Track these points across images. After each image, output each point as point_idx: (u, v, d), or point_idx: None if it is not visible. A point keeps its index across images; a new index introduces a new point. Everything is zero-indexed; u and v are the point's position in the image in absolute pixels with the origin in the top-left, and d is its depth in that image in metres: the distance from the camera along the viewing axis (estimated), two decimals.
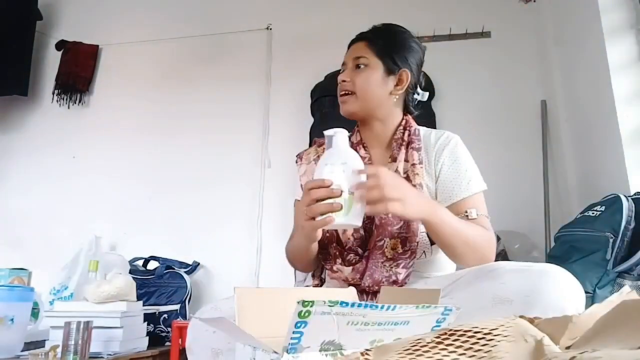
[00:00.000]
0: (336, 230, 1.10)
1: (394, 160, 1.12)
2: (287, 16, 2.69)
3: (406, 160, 1.12)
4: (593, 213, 1.52)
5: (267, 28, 2.69)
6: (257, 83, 2.62)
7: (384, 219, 1.06)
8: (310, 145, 1.71)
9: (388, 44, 1.15)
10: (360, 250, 1.08)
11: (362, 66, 1.13)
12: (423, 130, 1.19)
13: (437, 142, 1.14)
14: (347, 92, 1.14)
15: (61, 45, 2.86)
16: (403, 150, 1.13)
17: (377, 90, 1.13)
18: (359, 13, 2.41)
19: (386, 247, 1.05)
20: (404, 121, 1.18)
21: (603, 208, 1.49)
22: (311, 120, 2.37)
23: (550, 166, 2.22)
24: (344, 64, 1.18)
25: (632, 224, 1.41)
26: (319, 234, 0.95)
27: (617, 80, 1.71)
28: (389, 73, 1.13)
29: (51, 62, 2.91)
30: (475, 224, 1.02)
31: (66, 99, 2.81)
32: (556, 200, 2.18)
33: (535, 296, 0.77)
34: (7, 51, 2.69)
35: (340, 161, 0.89)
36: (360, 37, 1.18)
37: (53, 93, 2.82)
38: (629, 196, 1.48)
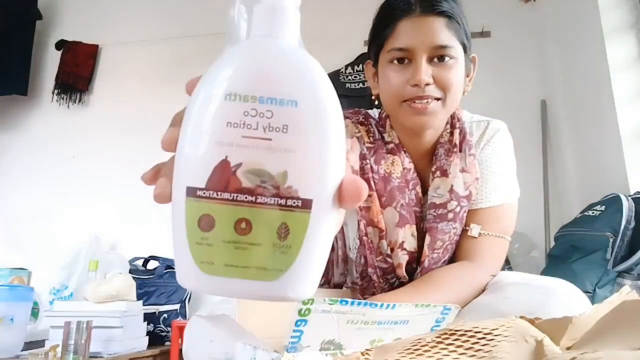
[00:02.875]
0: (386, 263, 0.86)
1: (445, 174, 0.85)
2: None
3: (467, 172, 0.85)
4: (593, 213, 1.52)
5: None
6: None
7: (434, 259, 0.85)
8: None
9: (462, 17, 0.87)
10: (395, 281, 0.87)
11: (448, 59, 0.81)
12: (464, 119, 0.93)
13: (482, 139, 0.90)
14: (431, 98, 0.80)
15: (61, 45, 2.86)
16: (456, 160, 0.86)
17: (460, 92, 0.85)
18: (359, 13, 2.40)
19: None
20: (450, 117, 0.89)
21: (603, 208, 1.49)
22: None
23: (550, 166, 2.22)
24: (405, 50, 0.79)
25: (632, 224, 1.41)
26: None
27: (617, 80, 1.71)
28: (466, 63, 0.86)
29: (51, 62, 2.90)
30: (451, 274, 0.82)
31: (66, 99, 2.81)
32: (556, 200, 2.18)
33: (540, 314, 0.71)
34: (7, 51, 2.69)
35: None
36: (435, 9, 0.80)
37: (53, 93, 2.82)
38: (629, 196, 1.48)
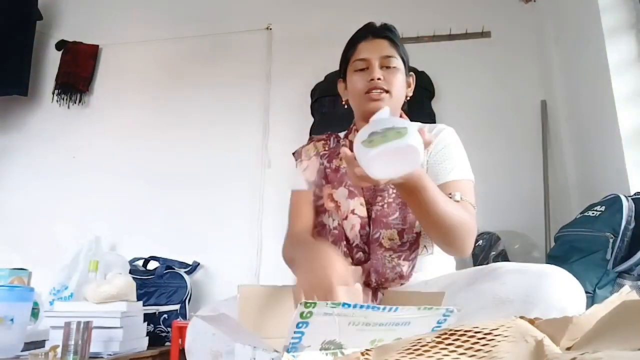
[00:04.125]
0: (344, 229, 1.11)
1: None
2: (287, 16, 2.69)
3: None
4: (593, 213, 1.52)
5: (267, 28, 2.69)
6: (257, 83, 2.62)
7: (379, 211, 1.08)
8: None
9: (402, 46, 1.17)
10: (366, 248, 1.08)
11: (392, 67, 1.13)
12: (418, 125, 1.18)
13: (431, 132, 1.15)
14: (382, 90, 1.11)
15: (61, 45, 2.86)
16: None
17: (403, 93, 1.16)
18: (359, 13, 2.40)
19: (383, 239, 1.05)
20: (399, 117, 1.17)
21: (603, 208, 1.49)
22: (311, 120, 2.37)
23: (550, 166, 2.22)
24: (364, 60, 1.14)
25: (632, 224, 1.40)
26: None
27: (617, 80, 1.71)
28: (406, 74, 1.17)
29: (51, 62, 2.91)
30: (460, 205, 1.01)
31: (66, 99, 2.81)
32: (556, 200, 2.18)
33: (536, 296, 0.77)
34: (7, 51, 2.69)
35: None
36: (380, 34, 1.17)
37: (53, 93, 2.82)
38: (629, 196, 1.48)
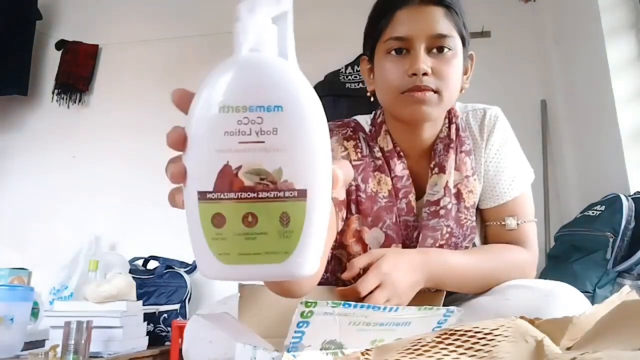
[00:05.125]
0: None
1: (443, 170, 0.83)
2: None
3: (457, 170, 0.84)
4: (593, 213, 1.52)
5: None
6: None
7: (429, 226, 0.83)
8: None
9: (462, 13, 0.85)
10: None
11: (447, 51, 0.79)
12: (459, 112, 0.91)
13: (482, 129, 0.89)
14: (429, 90, 0.77)
15: (61, 45, 2.86)
16: (452, 155, 0.84)
17: (458, 86, 0.83)
18: (359, 13, 2.40)
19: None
20: (447, 113, 0.88)
21: (603, 208, 1.49)
22: None
23: (550, 166, 2.22)
24: (403, 39, 0.77)
25: (632, 224, 1.41)
26: None
27: (617, 80, 1.72)
28: (464, 57, 0.85)
29: (51, 62, 2.90)
30: (501, 248, 0.84)
31: (66, 99, 2.81)
32: (556, 200, 2.18)
33: (540, 316, 0.72)
34: (7, 51, 2.69)
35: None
36: None
37: (53, 93, 2.82)
38: (629, 196, 1.48)
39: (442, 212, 0.82)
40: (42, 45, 2.94)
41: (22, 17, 2.78)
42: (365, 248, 0.83)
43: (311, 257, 0.35)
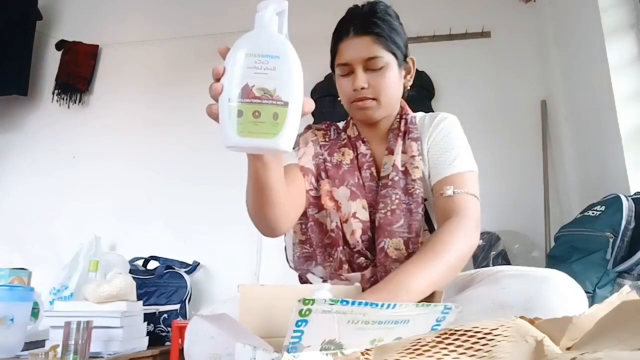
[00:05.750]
0: (343, 233, 1.02)
1: (391, 153, 1.06)
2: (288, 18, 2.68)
3: (404, 152, 1.05)
4: (593, 213, 1.52)
5: None
6: None
7: (382, 218, 1.00)
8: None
9: (390, 32, 1.02)
10: (368, 254, 1.02)
11: (379, 69, 1.01)
12: (419, 115, 1.13)
13: (432, 123, 1.08)
14: (368, 99, 1.02)
15: (61, 45, 2.86)
16: (400, 142, 1.06)
17: (397, 89, 1.05)
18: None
19: (388, 248, 0.98)
20: (400, 110, 1.11)
21: (603, 208, 1.49)
22: (311, 119, 2.37)
23: (550, 166, 2.22)
24: (346, 64, 1.02)
25: (632, 224, 1.41)
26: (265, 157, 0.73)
27: (617, 80, 1.72)
28: (400, 65, 1.04)
29: (51, 62, 2.91)
30: (442, 233, 0.91)
31: (66, 99, 2.81)
32: (556, 200, 2.18)
33: (536, 302, 0.75)
34: (7, 51, 2.69)
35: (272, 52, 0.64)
36: (364, 30, 1.01)
37: (53, 93, 2.82)
38: (629, 196, 1.48)
39: (390, 183, 1.03)
40: (42, 45, 2.94)
41: (22, 17, 2.78)
42: (336, 203, 1.04)
43: (289, 139, 0.62)
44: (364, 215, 1.02)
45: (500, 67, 2.39)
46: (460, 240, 0.89)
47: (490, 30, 2.43)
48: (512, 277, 0.82)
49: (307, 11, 2.66)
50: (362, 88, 1.01)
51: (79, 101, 2.82)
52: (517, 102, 2.35)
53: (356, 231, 1.01)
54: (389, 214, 1.00)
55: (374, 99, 1.02)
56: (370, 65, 1.00)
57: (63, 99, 2.81)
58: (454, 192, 0.96)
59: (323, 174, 1.07)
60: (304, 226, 1.08)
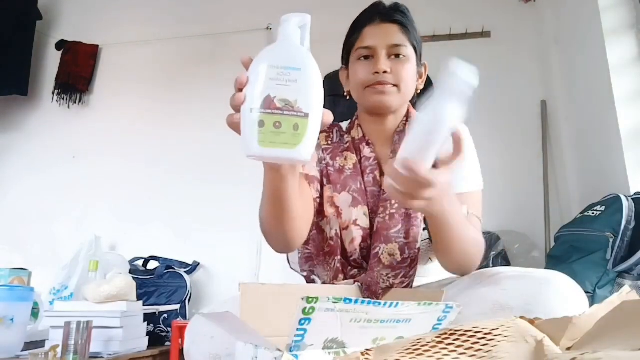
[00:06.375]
0: (342, 240, 1.00)
1: (396, 155, 1.04)
2: None
3: None
4: (593, 213, 1.52)
5: (267, 28, 2.69)
6: None
7: (381, 223, 0.97)
8: None
9: (413, 28, 1.03)
10: (364, 264, 0.99)
11: (402, 57, 1.00)
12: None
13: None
14: (388, 84, 0.99)
15: (61, 45, 2.86)
16: None
17: (413, 85, 1.04)
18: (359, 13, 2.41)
19: (382, 254, 0.96)
20: (407, 111, 1.08)
21: (603, 208, 1.49)
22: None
23: (550, 166, 2.22)
24: (369, 48, 1.01)
25: (632, 224, 1.41)
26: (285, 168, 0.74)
27: (617, 80, 1.72)
28: (417, 64, 1.04)
29: (51, 62, 2.91)
30: (473, 227, 0.92)
31: (66, 99, 2.81)
32: (556, 200, 2.18)
33: (536, 304, 0.74)
34: (7, 51, 2.69)
35: (295, 64, 0.65)
36: (389, 18, 1.02)
37: (53, 93, 2.82)
38: (629, 196, 1.48)
39: None
40: (42, 45, 2.94)
41: (22, 17, 2.78)
42: (337, 210, 1.01)
43: (309, 149, 0.64)
44: (365, 222, 1.00)
45: (500, 67, 2.39)
46: (480, 248, 0.91)
47: (490, 30, 2.43)
48: (512, 279, 0.81)
49: (307, 12, 2.67)
50: (385, 72, 0.98)
51: (79, 101, 2.82)
52: (517, 102, 2.35)
53: (356, 239, 0.99)
54: (387, 218, 0.98)
55: (394, 85, 1.00)
56: (394, 52, 1.00)
57: (63, 99, 2.81)
58: (468, 212, 0.94)
59: (325, 180, 1.05)
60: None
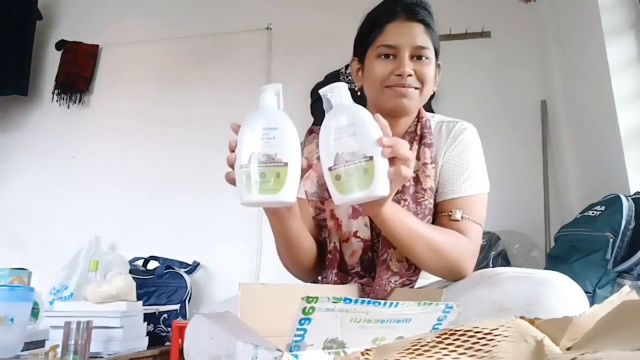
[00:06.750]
0: (341, 253, 0.98)
1: None
2: (287, 16, 2.69)
3: (417, 158, 0.99)
4: (593, 213, 1.52)
5: (267, 28, 2.69)
6: (257, 83, 2.57)
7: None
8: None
9: (436, 30, 1.01)
10: (366, 275, 0.98)
11: (424, 59, 0.96)
12: (435, 120, 1.06)
13: (450, 134, 1.02)
14: (412, 87, 0.96)
15: (61, 45, 2.86)
16: (415, 146, 1.00)
17: (432, 88, 1.01)
18: (359, 13, 2.40)
19: (391, 260, 0.94)
20: (418, 112, 1.05)
21: (603, 208, 1.49)
22: (311, 120, 2.37)
23: (550, 166, 2.22)
24: (392, 47, 0.96)
25: (632, 224, 1.41)
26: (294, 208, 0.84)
27: (617, 80, 1.72)
28: (436, 66, 1.02)
29: (51, 62, 2.91)
30: (449, 230, 0.92)
31: (66, 99, 2.81)
32: (556, 200, 2.18)
33: (536, 305, 0.73)
34: (7, 51, 2.69)
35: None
36: (416, 17, 0.97)
37: (53, 93, 2.82)
38: (629, 196, 1.48)
39: (400, 188, 0.96)
40: (42, 45, 2.94)
41: (22, 17, 2.78)
42: (337, 222, 0.99)
43: (291, 192, 0.74)
44: (366, 233, 0.97)
45: (500, 67, 2.39)
46: (461, 247, 0.91)
47: (490, 30, 2.43)
48: (512, 279, 0.81)
49: (307, 12, 2.67)
50: (409, 75, 0.95)
51: (79, 101, 2.82)
52: (517, 102, 2.35)
53: (356, 251, 0.97)
54: None
55: (417, 88, 0.96)
56: (418, 53, 0.96)
57: (63, 99, 2.81)
58: (462, 217, 0.93)
59: (326, 193, 1.00)
60: None
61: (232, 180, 0.75)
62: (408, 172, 0.74)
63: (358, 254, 0.97)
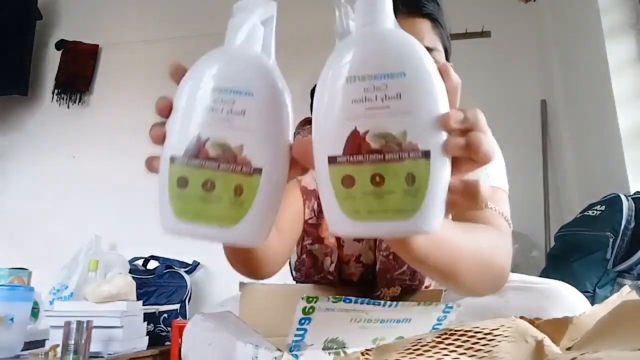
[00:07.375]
0: (340, 273, 0.87)
1: None
2: (287, 16, 2.68)
3: None
4: (593, 213, 1.52)
5: None
6: None
7: (383, 263, 0.83)
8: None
9: (446, 26, 0.82)
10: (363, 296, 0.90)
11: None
12: None
13: None
14: None
15: (61, 44, 2.86)
16: None
17: None
18: None
19: (383, 298, 0.84)
20: None
21: (603, 208, 1.49)
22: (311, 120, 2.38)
23: (550, 166, 2.22)
24: None
25: (632, 224, 1.41)
26: None
27: (617, 80, 1.71)
28: None
29: (51, 62, 2.90)
30: (479, 225, 0.68)
31: (66, 99, 2.81)
32: (556, 200, 2.18)
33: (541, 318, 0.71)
34: (7, 51, 2.69)
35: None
36: (422, 11, 0.76)
37: (53, 93, 2.82)
38: (629, 196, 1.48)
39: None
40: (42, 45, 2.93)
41: (22, 17, 2.78)
42: (339, 241, 0.86)
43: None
44: (369, 257, 0.87)
45: (500, 67, 2.39)
46: (505, 250, 0.66)
47: (490, 30, 2.43)
48: (516, 290, 0.77)
49: (306, 10, 2.67)
50: None
51: (79, 101, 2.82)
52: (517, 102, 2.35)
53: (354, 274, 0.88)
54: (390, 257, 0.83)
55: None
56: None
57: (63, 99, 2.81)
58: (491, 207, 0.72)
59: None
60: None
61: (154, 170, 0.43)
62: (485, 189, 0.40)
63: (356, 277, 0.88)
